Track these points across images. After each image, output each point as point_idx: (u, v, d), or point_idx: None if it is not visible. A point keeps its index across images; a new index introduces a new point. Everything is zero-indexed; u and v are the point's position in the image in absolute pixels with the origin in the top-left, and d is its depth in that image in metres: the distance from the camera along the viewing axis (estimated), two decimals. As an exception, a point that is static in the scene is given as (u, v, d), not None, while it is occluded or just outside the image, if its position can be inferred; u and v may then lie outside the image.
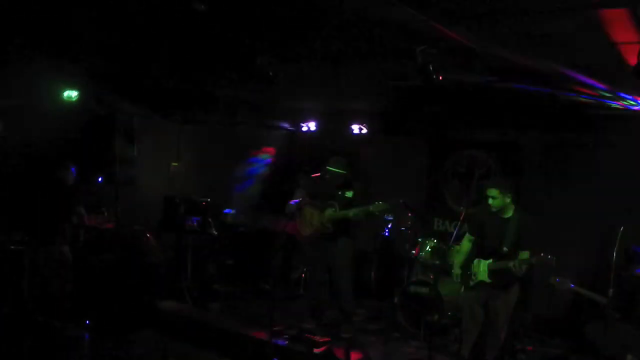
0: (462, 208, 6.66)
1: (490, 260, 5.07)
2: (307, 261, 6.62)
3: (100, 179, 7.55)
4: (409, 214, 7.34)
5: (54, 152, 6.92)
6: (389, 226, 8.03)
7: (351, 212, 5.99)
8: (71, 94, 6.56)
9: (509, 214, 5.13)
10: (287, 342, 5.90)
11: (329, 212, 6.14)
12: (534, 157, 7.38)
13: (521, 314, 6.18)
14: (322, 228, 6.17)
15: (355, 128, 8.44)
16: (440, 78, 4.80)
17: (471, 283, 5.22)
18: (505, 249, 4.98)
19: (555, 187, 7.08)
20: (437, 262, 6.66)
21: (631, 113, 6.29)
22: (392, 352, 5.98)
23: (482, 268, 5.11)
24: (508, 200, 5.08)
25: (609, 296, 5.05)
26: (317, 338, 5.96)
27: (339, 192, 6.16)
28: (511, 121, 7.14)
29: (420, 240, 7.01)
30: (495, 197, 5.04)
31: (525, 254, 4.92)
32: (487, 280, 5.07)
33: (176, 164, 8.55)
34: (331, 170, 6.17)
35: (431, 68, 4.83)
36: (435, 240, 6.88)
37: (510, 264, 4.87)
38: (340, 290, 6.33)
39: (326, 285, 6.51)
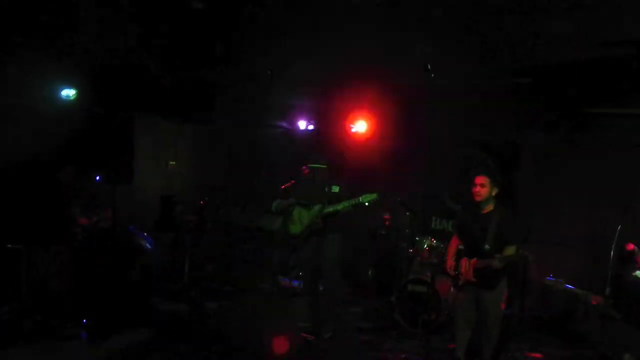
0: (459, 207, 6.66)
1: (474, 260, 5.00)
2: (299, 261, 6.58)
3: (98, 178, 7.54)
4: (407, 213, 7.35)
5: (52, 151, 6.91)
6: (387, 225, 8.06)
7: (340, 205, 5.97)
8: (69, 93, 6.56)
9: (490, 208, 5.05)
10: (285, 341, 5.90)
11: (318, 207, 6.13)
12: (531, 156, 7.39)
13: (517, 313, 6.20)
14: (312, 225, 6.15)
15: (354, 127, 8.45)
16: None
17: (459, 283, 5.16)
18: (487, 247, 4.91)
19: (553, 186, 7.09)
20: (435, 260, 6.66)
21: (628, 112, 6.32)
22: (390, 350, 5.98)
23: (467, 268, 5.04)
24: (494, 193, 5.01)
25: (606, 295, 5.05)
26: (314, 337, 5.98)
27: (325, 188, 6.16)
28: (509, 121, 7.16)
29: (417, 239, 7.02)
30: (484, 185, 4.95)
31: (511, 249, 4.90)
32: (473, 279, 5.01)
33: (174, 162, 8.56)
34: (313, 166, 6.19)
35: (429, 67, 4.86)
36: (432, 239, 6.88)
37: (492, 262, 4.84)
38: (329, 289, 6.31)
39: (318, 283, 6.50)
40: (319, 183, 6.19)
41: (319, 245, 6.19)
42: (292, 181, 6.41)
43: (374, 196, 5.86)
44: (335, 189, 6.13)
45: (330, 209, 6.01)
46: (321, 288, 6.45)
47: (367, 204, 5.88)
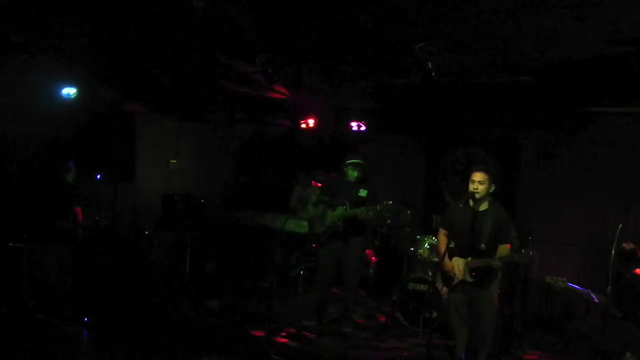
0: (460, 205, 6.66)
1: (469, 259, 4.97)
2: (317, 260, 6.59)
3: (99, 177, 7.55)
4: (408, 212, 7.36)
5: (53, 150, 6.91)
6: (388, 223, 8.05)
7: (359, 211, 5.98)
8: (70, 92, 6.55)
9: (484, 206, 5.02)
10: (285, 340, 5.91)
11: (339, 210, 6.13)
12: (532, 154, 7.38)
13: (518, 311, 6.20)
14: (333, 226, 6.15)
15: (354, 126, 8.44)
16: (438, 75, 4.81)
17: (452, 283, 5.12)
18: (483, 246, 4.88)
19: (553, 185, 7.09)
20: (436, 259, 6.66)
21: (629, 111, 6.31)
22: (391, 349, 5.98)
23: (461, 267, 5.00)
24: (491, 190, 4.97)
25: (608, 294, 5.05)
26: (315, 336, 5.99)
27: (353, 191, 6.14)
28: (509, 119, 7.15)
29: (418, 237, 7.02)
30: (483, 182, 4.90)
31: (504, 248, 4.90)
32: (469, 279, 4.98)
33: (174, 161, 8.56)
34: (351, 162, 6.16)
35: (430, 65, 4.84)
36: (433, 238, 6.87)
37: (492, 262, 4.83)
38: (348, 289, 6.37)
39: (331, 285, 6.52)
40: (350, 183, 6.18)
41: (340, 250, 6.21)
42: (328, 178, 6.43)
43: (392, 205, 5.88)
44: (363, 192, 6.12)
45: (350, 212, 6.02)
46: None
47: (385, 213, 6.05)
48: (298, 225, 7.48)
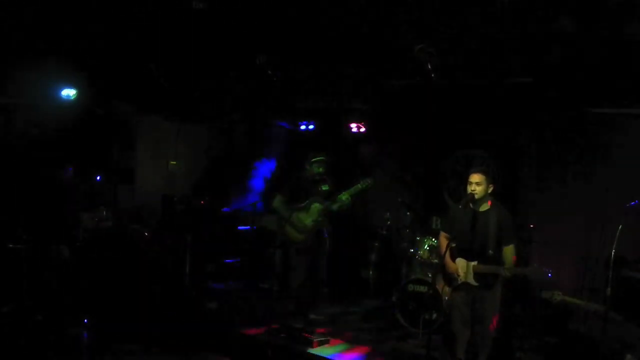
0: (460, 206, 6.65)
1: (476, 263, 4.93)
2: (298, 263, 6.56)
3: (98, 178, 7.55)
4: (408, 213, 7.35)
5: (53, 151, 6.91)
6: (388, 224, 8.05)
7: (344, 196, 6.00)
8: (70, 93, 6.55)
9: (485, 207, 5.00)
10: (285, 341, 5.89)
11: (318, 206, 6.09)
12: (532, 155, 7.39)
13: (519, 313, 6.19)
14: (317, 225, 6.11)
15: (354, 127, 8.45)
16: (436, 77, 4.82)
17: (455, 284, 5.10)
18: (490, 252, 4.86)
19: (553, 186, 7.09)
20: (436, 260, 6.65)
21: (628, 113, 6.33)
22: (391, 351, 5.97)
23: (467, 269, 4.98)
24: (490, 190, 4.95)
25: (608, 295, 5.03)
26: (314, 337, 5.97)
27: (320, 187, 6.20)
28: (509, 120, 7.16)
29: (418, 238, 7.01)
30: (480, 183, 4.87)
31: (509, 251, 4.88)
32: (474, 282, 4.96)
33: (174, 162, 8.56)
34: (317, 159, 6.18)
35: (429, 67, 4.85)
36: (433, 239, 6.87)
37: (502, 272, 4.81)
38: (319, 276, 6.43)
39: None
40: (316, 180, 6.19)
41: (317, 245, 6.25)
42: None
43: (369, 181, 5.98)
44: (326, 187, 6.20)
45: (335, 205, 6.00)
46: None
47: (366, 188, 6.05)
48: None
